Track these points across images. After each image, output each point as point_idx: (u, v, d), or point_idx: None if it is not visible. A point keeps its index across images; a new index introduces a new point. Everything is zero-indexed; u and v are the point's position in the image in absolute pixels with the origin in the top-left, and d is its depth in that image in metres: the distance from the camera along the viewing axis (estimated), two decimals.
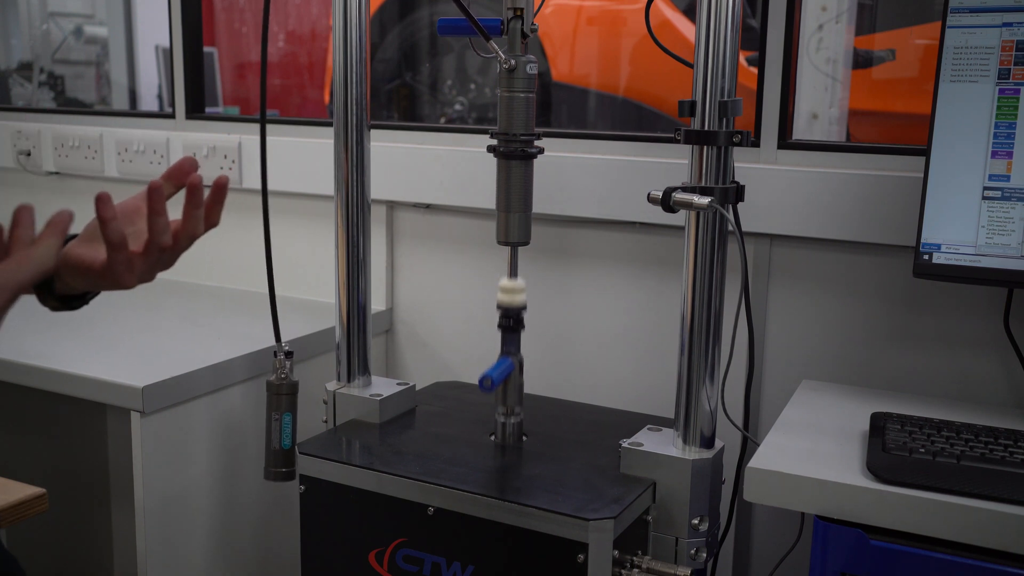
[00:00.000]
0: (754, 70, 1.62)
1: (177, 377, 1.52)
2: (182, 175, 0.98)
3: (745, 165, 1.54)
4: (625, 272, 1.73)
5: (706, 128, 1.25)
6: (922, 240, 1.32)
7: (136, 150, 2.18)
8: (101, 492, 2.09)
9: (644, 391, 1.72)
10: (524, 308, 1.43)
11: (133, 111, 3.87)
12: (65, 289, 1.00)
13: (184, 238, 0.97)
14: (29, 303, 1.03)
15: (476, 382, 1.35)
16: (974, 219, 1.29)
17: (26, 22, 4.26)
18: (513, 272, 1.43)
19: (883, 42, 2.65)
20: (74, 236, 1.03)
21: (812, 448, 1.23)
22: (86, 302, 1.04)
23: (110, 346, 1.68)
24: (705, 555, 1.32)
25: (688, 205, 1.23)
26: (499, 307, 1.42)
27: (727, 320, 1.31)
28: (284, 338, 1.53)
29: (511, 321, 1.42)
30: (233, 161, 2.05)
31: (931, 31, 2.28)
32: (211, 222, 0.98)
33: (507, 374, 1.41)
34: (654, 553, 1.31)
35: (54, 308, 1.03)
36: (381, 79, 3.50)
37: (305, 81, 4.39)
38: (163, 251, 0.97)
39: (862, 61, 2.59)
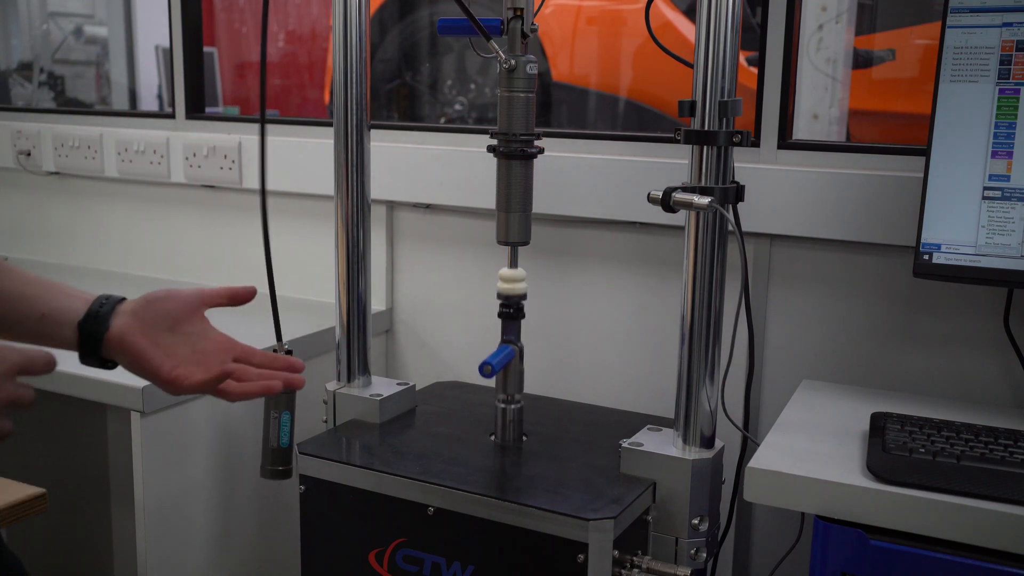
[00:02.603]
0: (754, 70, 1.62)
1: None
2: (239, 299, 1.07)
3: (745, 165, 1.54)
4: (625, 272, 1.73)
5: (706, 128, 1.25)
6: (922, 240, 1.32)
7: (136, 150, 2.18)
8: (101, 492, 2.09)
9: (644, 391, 1.72)
10: (524, 297, 1.43)
11: (133, 111, 3.87)
12: (110, 356, 1.01)
13: None
14: None
15: (476, 382, 1.36)
16: (974, 219, 1.29)
17: (26, 22, 4.26)
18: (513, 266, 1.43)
19: (883, 42, 2.65)
20: (122, 299, 1.02)
21: (812, 448, 1.23)
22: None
23: None
24: (705, 555, 1.32)
25: (688, 205, 1.23)
26: (499, 296, 1.43)
27: (727, 320, 1.31)
28: (284, 338, 1.53)
29: (511, 309, 1.43)
30: (233, 161, 2.05)
31: (931, 31, 2.28)
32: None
33: (507, 361, 1.41)
34: (654, 553, 1.31)
35: (88, 365, 1.03)
36: (381, 79, 3.50)
37: (305, 81, 4.39)
38: None
39: (862, 61, 2.59)
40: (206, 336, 1.04)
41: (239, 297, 1.07)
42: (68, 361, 1.57)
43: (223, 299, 1.06)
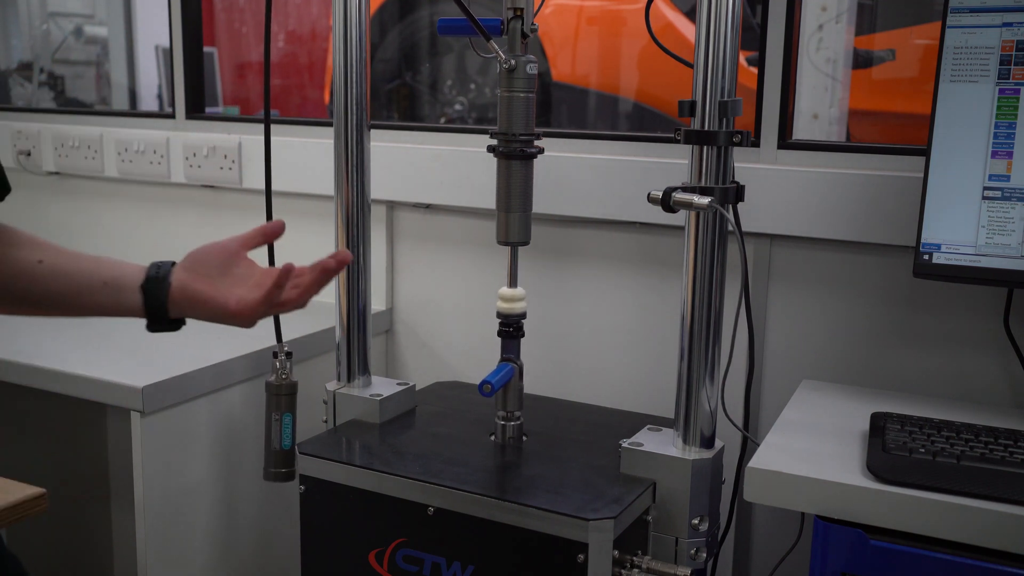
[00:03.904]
0: (754, 70, 1.62)
1: (177, 377, 1.52)
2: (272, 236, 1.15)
3: (745, 165, 1.54)
4: (625, 272, 1.73)
5: (706, 128, 1.25)
6: (922, 240, 1.32)
7: (136, 150, 2.18)
8: (101, 492, 2.09)
9: (644, 391, 1.72)
10: (523, 316, 1.43)
11: (133, 111, 3.87)
12: (177, 313, 1.06)
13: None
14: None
15: (476, 382, 1.36)
16: (974, 219, 1.29)
17: (26, 22, 4.27)
18: (513, 273, 1.43)
19: (883, 42, 2.65)
20: (172, 263, 1.08)
21: (812, 448, 1.23)
22: (185, 323, 1.09)
23: (110, 346, 1.68)
24: (705, 555, 1.32)
25: (688, 205, 1.23)
26: (499, 315, 1.43)
27: (727, 320, 1.31)
28: (284, 338, 1.53)
29: (511, 328, 1.43)
30: (233, 161, 2.05)
31: (931, 31, 2.28)
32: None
33: (507, 379, 1.42)
34: (654, 553, 1.31)
35: (157, 331, 1.08)
36: (381, 79, 3.50)
37: (305, 81, 4.39)
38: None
39: (862, 61, 2.59)
40: (254, 270, 1.09)
41: (271, 233, 1.14)
42: (68, 361, 1.58)
43: (258, 238, 1.12)
